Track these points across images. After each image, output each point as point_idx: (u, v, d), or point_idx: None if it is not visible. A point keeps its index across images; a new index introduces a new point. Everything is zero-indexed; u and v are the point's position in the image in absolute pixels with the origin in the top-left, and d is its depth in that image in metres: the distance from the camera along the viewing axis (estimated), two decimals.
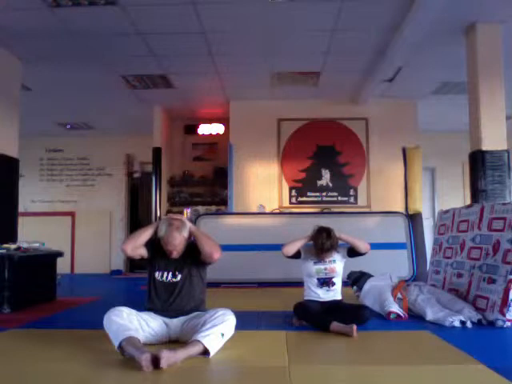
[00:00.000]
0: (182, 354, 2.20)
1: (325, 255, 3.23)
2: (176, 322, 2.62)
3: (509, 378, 1.98)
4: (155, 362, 2.10)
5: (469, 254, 3.65)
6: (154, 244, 2.76)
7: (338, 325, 2.87)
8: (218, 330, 2.36)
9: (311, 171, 6.89)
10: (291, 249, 3.28)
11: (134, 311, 2.54)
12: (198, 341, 2.28)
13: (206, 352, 2.29)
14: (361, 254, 3.32)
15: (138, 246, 2.69)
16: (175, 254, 2.70)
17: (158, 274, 2.73)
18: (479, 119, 4.43)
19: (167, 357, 2.11)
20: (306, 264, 3.30)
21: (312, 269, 3.26)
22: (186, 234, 2.71)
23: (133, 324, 2.42)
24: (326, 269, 3.24)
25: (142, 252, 2.72)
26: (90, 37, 4.70)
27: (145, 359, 2.09)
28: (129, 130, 8.23)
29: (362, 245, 3.28)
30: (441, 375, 2.13)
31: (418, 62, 5.37)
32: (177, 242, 2.66)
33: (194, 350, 2.27)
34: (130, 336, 2.29)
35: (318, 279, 3.25)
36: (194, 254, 2.74)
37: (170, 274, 2.71)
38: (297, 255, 3.32)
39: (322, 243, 3.19)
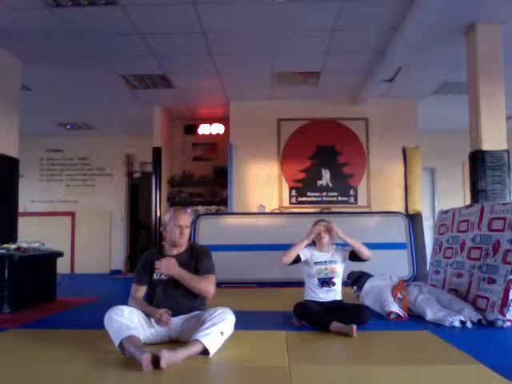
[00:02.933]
0: (181, 354, 2.20)
1: (323, 240, 3.25)
2: (176, 321, 2.62)
3: (509, 378, 1.98)
4: (155, 361, 2.11)
5: (469, 254, 3.65)
6: (147, 267, 2.77)
7: (338, 325, 2.87)
8: (218, 329, 2.37)
9: (311, 171, 6.88)
10: (291, 255, 3.20)
11: (135, 310, 2.55)
12: (198, 340, 2.29)
13: (205, 351, 2.29)
14: (361, 260, 3.29)
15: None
16: (184, 231, 2.72)
17: (156, 275, 2.73)
18: (479, 119, 4.43)
19: (167, 357, 2.12)
20: (306, 265, 3.30)
21: (313, 269, 3.25)
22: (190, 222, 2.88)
23: (133, 323, 2.43)
24: (326, 269, 3.24)
25: None
26: (90, 37, 4.70)
27: (145, 359, 2.10)
28: (129, 130, 8.22)
29: (365, 252, 3.23)
30: (441, 375, 2.14)
31: (418, 62, 5.37)
32: (186, 218, 2.77)
33: (194, 349, 2.27)
34: (131, 335, 2.31)
35: (318, 279, 3.24)
36: (193, 262, 2.76)
37: None
38: (297, 260, 3.27)
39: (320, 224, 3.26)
